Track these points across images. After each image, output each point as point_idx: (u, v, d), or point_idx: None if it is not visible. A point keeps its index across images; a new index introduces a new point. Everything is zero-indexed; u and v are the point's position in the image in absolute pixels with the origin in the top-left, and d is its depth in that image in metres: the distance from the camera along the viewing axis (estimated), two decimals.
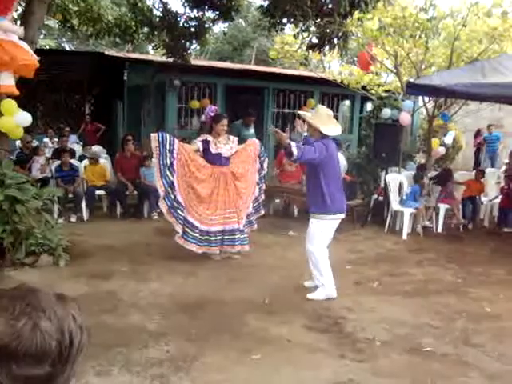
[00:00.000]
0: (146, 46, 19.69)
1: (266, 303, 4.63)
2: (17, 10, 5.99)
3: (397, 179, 8.20)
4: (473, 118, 12.93)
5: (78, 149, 10.39)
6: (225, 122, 5.92)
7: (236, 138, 6.17)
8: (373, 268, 5.92)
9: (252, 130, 8.30)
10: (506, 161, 11.92)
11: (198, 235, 5.70)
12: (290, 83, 13.58)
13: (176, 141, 5.68)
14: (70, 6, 8.90)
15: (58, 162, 8.19)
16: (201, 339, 3.81)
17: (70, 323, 0.92)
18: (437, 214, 8.03)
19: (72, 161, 8.38)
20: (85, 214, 7.88)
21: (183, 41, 9.77)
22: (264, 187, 6.42)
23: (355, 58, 17.50)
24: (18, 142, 9.41)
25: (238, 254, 6.05)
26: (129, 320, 4.15)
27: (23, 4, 6.33)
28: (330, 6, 6.91)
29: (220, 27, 17.79)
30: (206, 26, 9.71)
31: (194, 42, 10.29)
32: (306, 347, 3.77)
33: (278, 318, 4.30)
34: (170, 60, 9.98)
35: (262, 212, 6.44)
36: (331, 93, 14.16)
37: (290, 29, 9.43)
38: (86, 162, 8.53)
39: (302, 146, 4.60)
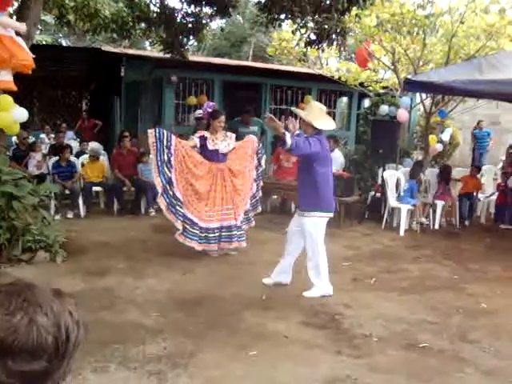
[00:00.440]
0: (143, 41, 19.65)
1: (263, 299, 4.63)
2: (12, 4, 5.95)
3: (394, 176, 8.21)
4: (470, 114, 12.95)
5: (75, 145, 10.35)
6: (222, 118, 5.91)
7: (234, 135, 6.16)
8: (370, 264, 5.93)
9: (251, 128, 8.26)
10: (503, 157, 11.96)
11: (198, 232, 5.69)
12: (288, 79, 13.57)
13: (173, 137, 5.66)
14: (67, 1, 8.85)
15: (55, 158, 8.17)
16: (198, 335, 3.81)
17: (66, 319, 0.92)
18: (434, 211, 8.04)
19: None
20: (82, 211, 7.86)
21: (180, 37, 9.75)
22: (262, 184, 6.42)
23: (353, 55, 17.48)
24: (14, 138, 9.38)
25: (235, 251, 6.05)
26: (126, 316, 4.15)
27: None
28: (327, 1, 6.90)
29: (217, 23, 17.79)
30: (204, 21, 9.69)
31: (191, 37, 10.27)
32: (302, 343, 3.77)
33: (275, 314, 4.30)
34: (168, 56, 9.96)
35: (260, 209, 6.45)
36: (329, 89, 14.16)
37: (287, 25, 9.42)
38: (83, 158, 8.50)
39: (297, 137, 4.58)
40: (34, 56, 5.15)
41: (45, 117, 13.93)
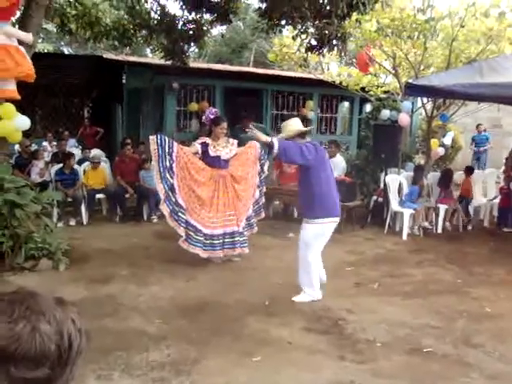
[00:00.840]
0: (144, 49, 19.72)
1: (266, 305, 4.62)
2: (16, 14, 6.00)
3: (396, 180, 8.21)
4: (472, 118, 12.94)
5: (77, 152, 10.39)
6: (224, 125, 5.91)
7: (236, 141, 6.16)
8: (373, 269, 5.92)
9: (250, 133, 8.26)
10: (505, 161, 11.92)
11: (202, 239, 5.67)
12: (289, 85, 13.61)
13: (175, 143, 5.67)
14: (68, 9, 8.91)
15: (59, 166, 8.19)
16: (201, 342, 3.81)
17: (69, 326, 0.92)
18: (436, 215, 8.03)
19: None
20: (84, 218, 7.87)
21: (181, 43, 9.80)
22: (264, 190, 6.42)
23: (354, 60, 17.52)
24: (16, 146, 9.41)
25: (238, 257, 6.04)
26: (129, 323, 4.14)
27: (21, 8, 6.34)
28: (327, 7, 6.93)
29: (218, 30, 17.83)
30: (204, 28, 9.74)
31: (192, 44, 10.34)
32: (306, 349, 3.76)
33: (278, 319, 4.29)
34: (169, 63, 10.01)
35: (263, 214, 6.42)
36: (330, 94, 14.20)
37: (288, 31, 9.45)
38: (85, 165, 8.51)
39: (288, 143, 4.54)
40: (33, 65, 5.18)
41: (47, 124, 13.97)
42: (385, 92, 10.87)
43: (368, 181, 9.21)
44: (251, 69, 17.14)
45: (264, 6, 7.62)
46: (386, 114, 8.88)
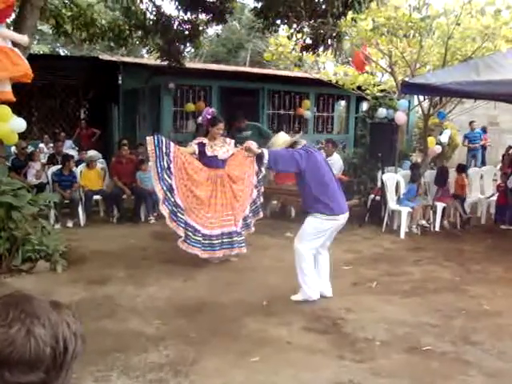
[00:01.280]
0: (140, 49, 19.70)
1: (264, 305, 4.62)
2: (11, 16, 5.98)
3: (393, 178, 8.21)
4: (468, 116, 12.96)
5: (74, 154, 10.36)
6: (221, 125, 5.90)
7: (232, 141, 6.16)
8: (371, 268, 5.92)
9: (244, 133, 8.25)
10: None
11: (200, 239, 5.65)
12: (285, 84, 13.61)
13: (172, 144, 5.66)
14: (63, 10, 8.88)
15: (57, 167, 8.17)
16: (200, 343, 3.80)
17: (64, 330, 0.91)
18: (434, 213, 8.04)
19: None
20: (81, 219, 7.85)
21: (177, 44, 9.79)
22: (262, 189, 6.41)
23: (350, 59, 17.53)
24: (13, 148, 9.39)
25: (235, 257, 6.03)
26: (127, 325, 4.13)
27: (16, 9, 6.32)
28: (323, 6, 6.92)
29: (214, 30, 17.82)
30: (200, 28, 9.72)
31: (188, 44, 10.33)
32: (305, 348, 3.76)
33: (277, 319, 4.28)
34: (165, 63, 9.99)
35: (261, 214, 6.40)
36: (326, 93, 14.20)
37: (283, 30, 9.44)
38: (81, 167, 8.49)
39: (279, 152, 4.59)
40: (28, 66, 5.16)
41: (43, 126, 13.94)
42: (381, 90, 10.86)
43: (365, 179, 9.21)
44: (247, 68, 17.14)
45: (259, 5, 7.61)
46: (382, 112, 8.87)
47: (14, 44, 5.08)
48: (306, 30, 7.41)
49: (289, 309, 4.54)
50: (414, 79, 7.50)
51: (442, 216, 8.11)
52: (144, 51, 19.56)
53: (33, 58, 6.00)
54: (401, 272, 5.80)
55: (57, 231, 6.66)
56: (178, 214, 5.59)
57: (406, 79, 7.61)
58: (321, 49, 7.40)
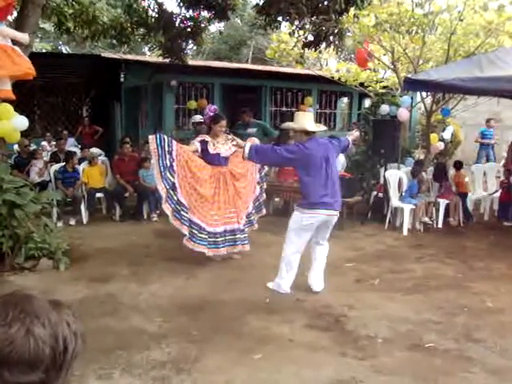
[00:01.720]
0: (142, 47, 19.67)
1: (266, 303, 4.62)
2: (12, 13, 5.98)
3: (396, 175, 8.19)
4: (471, 112, 12.90)
5: (77, 151, 10.37)
6: (223, 123, 5.89)
7: (230, 136, 6.14)
8: (373, 265, 5.91)
9: (249, 130, 8.26)
10: (505, 154, 11.89)
11: (206, 237, 5.64)
12: (288, 81, 13.58)
13: (174, 142, 5.64)
14: (65, 8, 8.86)
15: (60, 164, 8.18)
16: (202, 340, 3.80)
17: (64, 329, 0.91)
18: (437, 210, 8.02)
19: None
20: (84, 217, 7.86)
21: (179, 41, 9.77)
22: (265, 186, 6.41)
23: (352, 55, 17.48)
24: (15, 146, 9.40)
25: (238, 254, 6.03)
26: (129, 322, 4.14)
27: (18, 8, 6.31)
28: (325, 3, 6.89)
29: (216, 27, 17.76)
30: (202, 25, 9.71)
31: (190, 42, 10.30)
32: (307, 346, 3.76)
33: (279, 317, 4.29)
34: (167, 61, 9.97)
35: (264, 211, 6.39)
36: (329, 90, 14.17)
37: (285, 27, 9.42)
38: (84, 164, 8.50)
39: (261, 147, 4.90)
40: (31, 64, 5.16)
41: (46, 124, 13.95)
42: (384, 87, 10.84)
43: (368, 176, 9.20)
44: (249, 66, 17.11)
45: (261, 2, 7.59)
46: (385, 109, 8.85)
47: (15, 42, 5.09)
48: (308, 26, 7.38)
49: (291, 306, 4.54)
50: (417, 75, 7.48)
51: (446, 213, 8.09)
52: (146, 49, 19.52)
53: (35, 56, 6.00)
54: (403, 269, 5.79)
55: (59, 229, 6.69)
56: (182, 213, 5.57)
57: (409, 75, 7.59)
58: (323, 45, 7.36)
